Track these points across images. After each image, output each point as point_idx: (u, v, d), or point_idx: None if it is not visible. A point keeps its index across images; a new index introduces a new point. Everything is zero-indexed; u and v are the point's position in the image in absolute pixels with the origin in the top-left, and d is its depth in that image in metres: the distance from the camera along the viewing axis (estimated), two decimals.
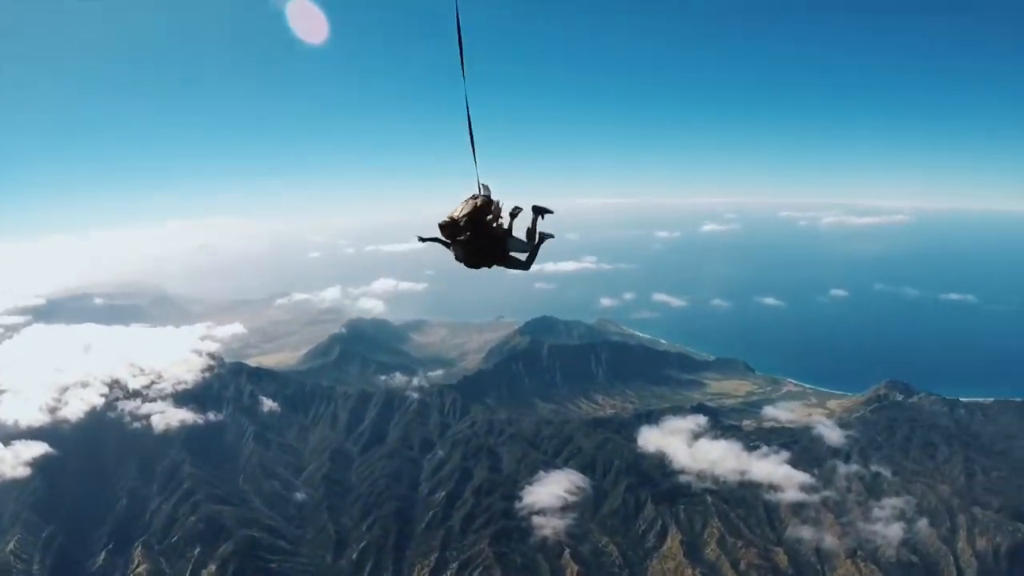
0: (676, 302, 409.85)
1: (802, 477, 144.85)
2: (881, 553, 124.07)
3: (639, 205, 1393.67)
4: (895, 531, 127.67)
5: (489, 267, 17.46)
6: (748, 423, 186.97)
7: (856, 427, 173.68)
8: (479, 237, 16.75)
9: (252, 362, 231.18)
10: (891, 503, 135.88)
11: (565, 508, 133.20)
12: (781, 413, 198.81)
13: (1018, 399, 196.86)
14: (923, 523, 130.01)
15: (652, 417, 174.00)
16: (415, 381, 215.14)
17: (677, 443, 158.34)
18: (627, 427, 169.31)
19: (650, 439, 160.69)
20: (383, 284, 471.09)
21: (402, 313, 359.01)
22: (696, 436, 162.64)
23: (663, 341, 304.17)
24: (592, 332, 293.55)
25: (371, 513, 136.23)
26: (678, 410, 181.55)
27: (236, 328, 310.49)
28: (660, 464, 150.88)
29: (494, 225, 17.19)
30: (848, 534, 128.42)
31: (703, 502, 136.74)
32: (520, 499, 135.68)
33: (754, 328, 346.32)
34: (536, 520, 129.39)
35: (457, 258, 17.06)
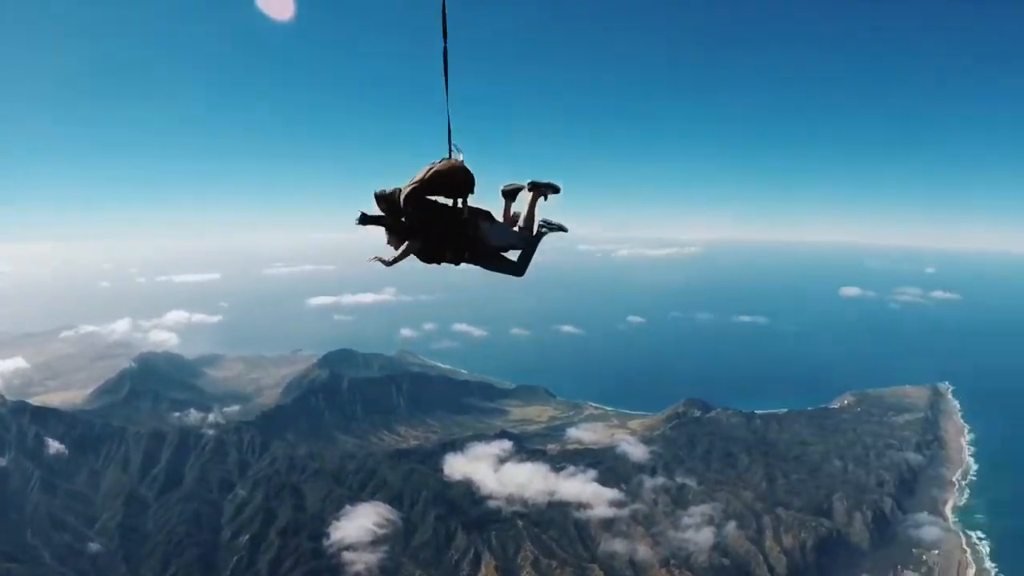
0: (476, 332, 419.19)
1: (610, 493, 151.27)
2: (694, 559, 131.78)
3: None
4: (705, 536, 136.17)
5: (455, 263, 13.12)
6: (553, 446, 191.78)
7: (658, 443, 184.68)
8: (413, 214, 12.25)
9: (36, 400, 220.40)
10: (699, 511, 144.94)
11: (375, 542, 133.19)
12: (584, 435, 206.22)
13: (809, 409, 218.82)
14: (731, 527, 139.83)
15: (456, 445, 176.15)
16: (211, 418, 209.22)
17: (483, 469, 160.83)
18: (432, 457, 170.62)
19: (456, 467, 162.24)
20: (175, 316, 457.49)
21: (195, 347, 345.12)
22: (502, 461, 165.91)
23: (464, 371, 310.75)
24: (392, 364, 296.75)
25: (172, 562, 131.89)
26: (482, 437, 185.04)
27: (18, 363, 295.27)
28: (468, 491, 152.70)
29: (460, 205, 12.52)
30: (660, 544, 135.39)
31: (514, 526, 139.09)
32: (328, 536, 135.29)
33: (554, 355, 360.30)
34: (346, 556, 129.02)
35: (390, 244, 12.81)
